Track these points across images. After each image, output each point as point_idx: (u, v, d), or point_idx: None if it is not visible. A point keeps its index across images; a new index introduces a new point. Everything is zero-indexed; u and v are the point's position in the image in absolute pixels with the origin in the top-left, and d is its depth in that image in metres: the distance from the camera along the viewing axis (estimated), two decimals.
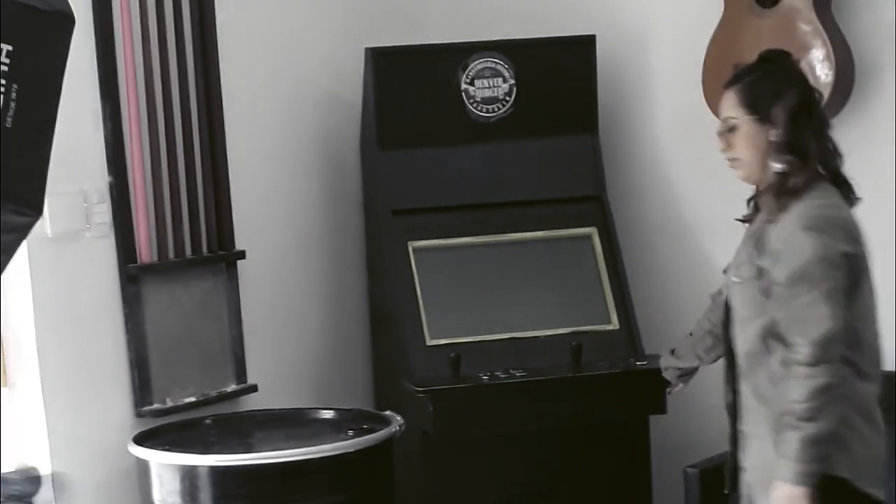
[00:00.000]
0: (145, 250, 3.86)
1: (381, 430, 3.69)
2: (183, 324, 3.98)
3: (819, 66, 4.00)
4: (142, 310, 3.87)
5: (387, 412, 3.85)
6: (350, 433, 3.70)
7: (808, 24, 4.00)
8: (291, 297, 4.34)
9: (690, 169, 4.41)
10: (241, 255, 4.10)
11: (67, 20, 2.19)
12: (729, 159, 3.27)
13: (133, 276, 3.84)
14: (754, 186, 3.27)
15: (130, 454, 3.70)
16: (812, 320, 3.02)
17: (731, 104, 3.26)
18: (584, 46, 4.31)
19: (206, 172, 4.01)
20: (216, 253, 4.06)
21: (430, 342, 3.98)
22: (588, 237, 4.19)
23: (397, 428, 3.72)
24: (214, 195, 4.03)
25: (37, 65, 2.09)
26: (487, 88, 4.26)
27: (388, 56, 4.22)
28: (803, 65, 3.99)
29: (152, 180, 3.88)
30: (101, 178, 3.80)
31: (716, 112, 4.16)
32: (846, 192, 3.21)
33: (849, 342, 3.05)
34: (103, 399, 3.81)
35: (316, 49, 4.40)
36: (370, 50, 4.22)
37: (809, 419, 2.98)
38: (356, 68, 4.28)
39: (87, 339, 3.77)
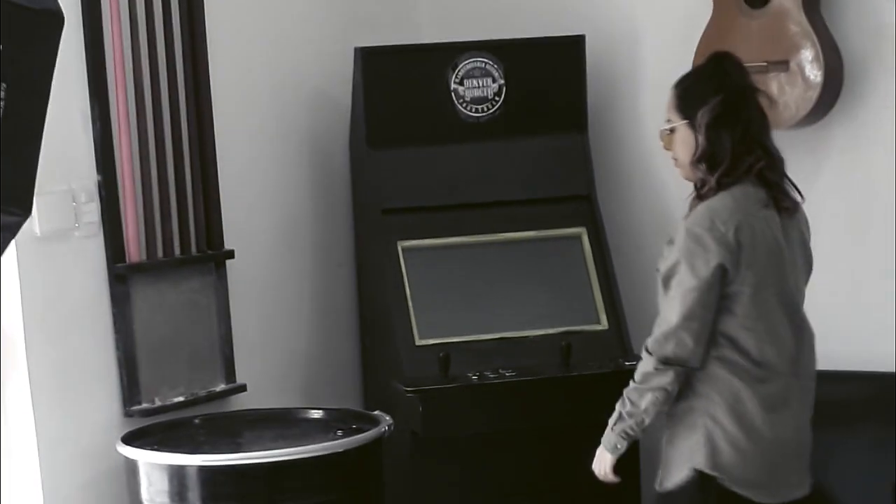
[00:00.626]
0: (134, 249, 3.86)
1: (370, 430, 3.69)
2: (171, 323, 3.97)
3: (808, 67, 4.00)
4: (130, 309, 3.86)
5: (376, 412, 3.84)
6: (339, 433, 3.70)
7: (797, 25, 4.01)
8: (280, 297, 4.34)
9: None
10: (230, 254, 4.09)
11: (57, 19, 2.18)
12: (673, 159, 3.34)
13: (121, 276, 3.83)
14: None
15: (119, 454, 3.69)
16: (665, 315, 3.18)
17: (669, 106, 3.34)
18: (573, 46, 4.31)
19: (194, 172, 4.01)
20: (205, 252, 4.05)
21: (419, 342, 3.98)
22: (577, 237, 4.19)
23: (386, 428, 3.71)
24: (203, 194, 4.02)
25: (26, 64, 2.08)
26: (477, 88, 4.26)
27: (378, 55, 4.22)
28: (793, 65, 4.01)
29: (141, 179, 3.88)
30: (89, 177, 3.79)
31: None
32: (776, 195, 3.24)
33: (729, 342, 3.17)
34: (91, 398, 3.80)
35: (305, 48, 4.40)
36: (360, 49, 4.21)
37: (628, 397, 3.21)
38: (346, 67, 4.27)
39: (75, 339, 3.76)
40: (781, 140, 4.21)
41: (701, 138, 3.22)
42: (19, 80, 2.08)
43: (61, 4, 2.22)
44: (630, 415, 3.22)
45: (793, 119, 4.05)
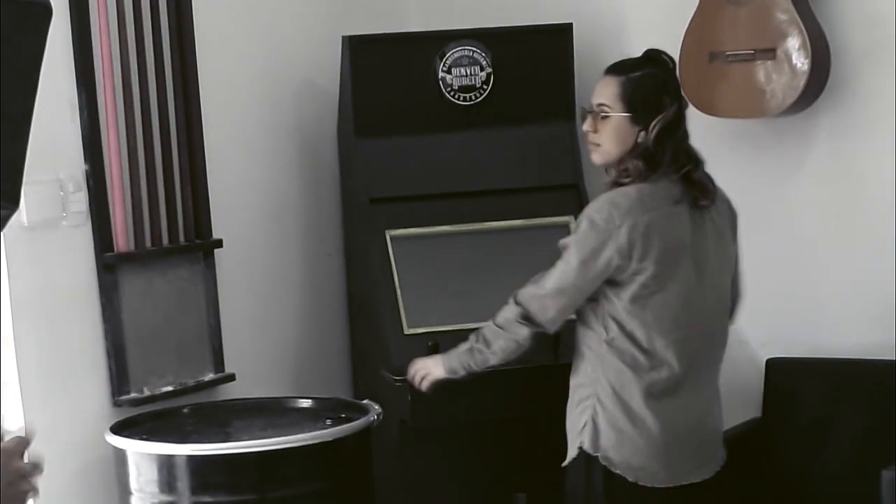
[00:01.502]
0: (122, 239, 3.85)
1: (358, 419, 3.69)
2: (160, 313, 3.97)
3: (795, 55, 4.01)
4: (119, 299, 3.86)
5: (365, 401, 3.85)
6: (328, 422, 3.70)
7: (784, 13, 4.01)
8: (269, 286, 4.34)
9: None
10: (219, 243, 4.09)
11: (45, 10, 2.17)
12: (590, 142, 3.43)
13: (110, 265, 3.83)
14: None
15: (107, 443, 3.69)
16: (545, 277, 3.35)
17: (609, 93, 3.40)
18: (561, 35, 4.31)
19: (182, 161, 4.00)
20: (193, 242, 4.05)
21: (407, 331, 3.98)
22: (566, 225, 4.19)
23: (375, 417, 3.72)
24: (191, 184, 4.02)
25: (14, 55, 2.08)
26: (464, 76, 4.26)
27: (366, 44, 4.21)
28: (780, 53, 4.02)
29: (129, 169, 3.87)
30: (77, 166, 3.79)
31: (694, 101, 4.18)
32: (695, 194, 3.35)
33: (619, 328, 3.30)
34: (80, 388, 3.80)
35: (293, 37, 4.39)
36: (347, 38, 4.21)
37: (484, 335, 3.44)
38: (333, 56, 4.27)
39: (63, 328, 3.76)
40: (767, 128, 4.25)
41: (648, 140, 3.34)
42: (7, 72, 2.08)
43: None
44: (479, 351, 3.46)
45: (779, 107, 4.05)
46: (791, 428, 4.12)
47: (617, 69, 3.44)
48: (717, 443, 3.49)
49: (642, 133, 3.34)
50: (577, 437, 3.37)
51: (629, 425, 3.32)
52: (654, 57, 3.44)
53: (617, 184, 3.38)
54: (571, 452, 3.39)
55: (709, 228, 3.40)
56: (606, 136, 3.40)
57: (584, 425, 3.35)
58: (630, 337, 3.31)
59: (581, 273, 3.32)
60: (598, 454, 3.33)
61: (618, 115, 3.37)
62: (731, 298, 3.52)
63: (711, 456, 3.46)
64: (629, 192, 3.33)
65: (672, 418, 3.34)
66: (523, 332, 3.40)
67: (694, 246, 3.35)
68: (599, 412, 3.33)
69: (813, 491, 4.04)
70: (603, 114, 3.39)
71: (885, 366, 4.02)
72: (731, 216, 3.52)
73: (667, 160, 3.33)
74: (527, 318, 3.39)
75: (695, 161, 3.39)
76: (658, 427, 3.32)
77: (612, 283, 3.32)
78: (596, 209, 3.33)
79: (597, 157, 3.45)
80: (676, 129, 3.36)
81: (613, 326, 3.33)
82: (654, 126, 3.33)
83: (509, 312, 3.42)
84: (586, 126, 3.45)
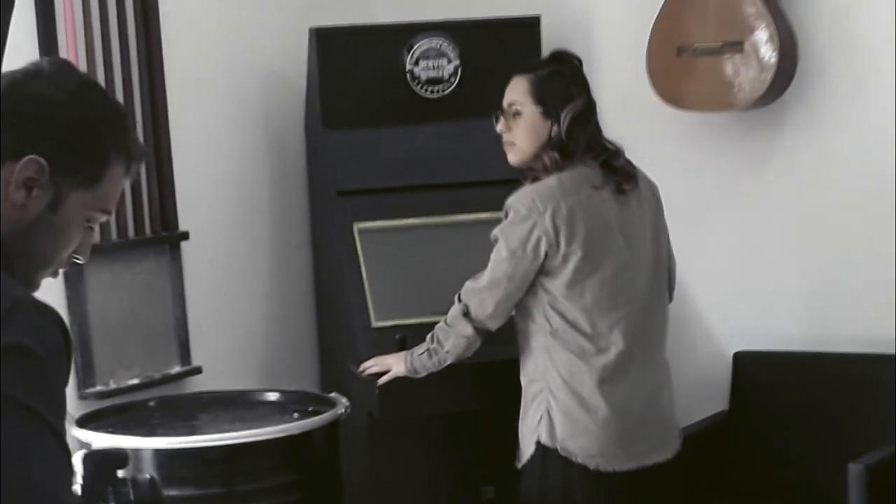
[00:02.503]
0: None
1: (326, 412, 3.68)
2: (126, 305, 3.95)
3: (763, 48, 4.02)
4: (84, 291, 3.84)
5: (332, 394, 3.83)
6: (295, 415, 3.69)
7: (752, 6, 4.02)
8: (236, 279, 4.32)
9: (634, 150, 4.40)
10: (185, 235, 4.07)
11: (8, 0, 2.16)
12: (505, 142, 3.51)
13: None
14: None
15: (73, 436, 3.66)
16: (482, 275, 3.43)
17: (519, 91, 3.48)
18: (529, 28, 4.31)
19: (148, 153, 3.98)
20: (159, 234, 4.02)
21: (375, 324, 3.97)
22: None
23: (343, 410, 3.71)
24: (157, 176, 4.00)
25: None
26: (432, 69, 4.25)
27: (333, 36, 4.19)
28: (747, 47, 4.03)
29: None
30: None
31: (661, 94, 4.19)
32: (618, 180, 3.42)
33: (560, 317, 3.35)
34: None
35: (260, 29, 4.37)
36: (314, 30, 4.19)
37: (437, 335, 3.50)
38: (300, 48, 4.25)
39: None
40: (735, 121, 4.26)
41: (559, 131, 3.41)
42: None
43: None
44: (435, 351, 3.51)
45: (747, 100, 4.06)
46: (758, 421, 4.13)
47: (525, 69, 3.52)
48: (671, 422, 3.53)
49: (554, 127, 3.41)
50: (533, 433, 3.39)
51: (583, 413, 3.34)
52: (559, 57, 3.53)
53: (536, 178, 3.44)
54: (528, 450, 3.40)
55: (634, 207, 3.45)
56: (520, 132, 3.47)
57: (540, 419, 3.37)
58: (573, 325, 3.35)
59: (511, 263, 3.37)
60: (557, 446, 3.35)
61: (529, 111, 3.44)
62: (667, 275, 3.55)
63: (668, 435, 3.49)
64: (548, 181, 3.40)
65: (624, 400, 3.37)
66: (468, 328, 3.45)
67: (622, 225, 3.41)
68: (553, 404, 3.36)
69: (780, 484, 4.06)
70: (515, 111, 3.47)
71: (852, 358, 4.04)
72: (654, 193, 3.55)
73: (581, 149, 3.40)
74: (467, 315, 3.44)
75: (613, 150, 3.45)
76: (611, 411, 3.34)
77: (546, 272, 3.36)
78: (516, 199, 3.40)
79: (512, 157, 3.52)
80: (588, 120, 3.43)
81: (555, 317, 3.36)
82: (565, 117, 3.40)
83: (454, 310, 3.49)
84: (499, 127, 3.52)
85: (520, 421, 3.45)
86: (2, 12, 2.09)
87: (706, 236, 4.25)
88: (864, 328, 4.08)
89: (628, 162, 3.48)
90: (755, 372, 4.18)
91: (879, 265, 4.05)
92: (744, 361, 4.20)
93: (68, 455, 1.68)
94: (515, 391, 3.68)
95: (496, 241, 3.42)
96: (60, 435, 1.67)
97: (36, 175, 1.79)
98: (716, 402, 4.21)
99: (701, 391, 4.21)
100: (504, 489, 3.91)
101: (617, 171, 3.42)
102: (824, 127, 4.14)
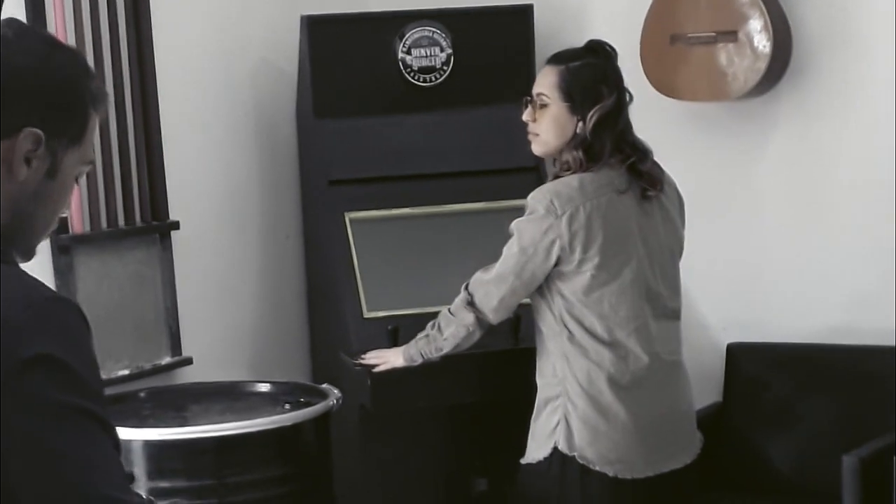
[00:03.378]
0: (77, 220, 3.80)
1: (318, 403, 3.66)
2: (116, 295, 3.92)
3: (757, 38, 4.00)
4: (74, 281, 3.81)
5: (324, 385, 3.81)
6: (287, 406, 3.67)
7: None
8: (227, 269, 4.29)
9: None
10: (175, 225, 4.05)
11: None
12: (530, 132, 3.44)
13: (65, 247, 3.78)
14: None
15: None
16: (493, 267, 3.39)
17: (548, 83, 3.40)
18: (521, 16, 4.29)
19: (139, 142, 3.95)
20: (150, 223, 4.00)
21: (367, 314, 3.95)
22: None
23: (335, 401, 3.69)
24: (148, 165, 3.97)
25: None
26: (424, 57, 4.23)
27: (324, 24, 4.17)
28: (741, 36, 4.01)
29: None
30: None
31: (655, 83, 4.17)
32: (642, 185, 3.35)
33: (578, 324, 3.30)
34: None
35: (251, 16, 4.34)
36: (306, 17, 4.17)
37: (439, 322, 3.48)
38: (292, 36, 4.22)
39: None
40: (729, 111, 4.24)
41: (585, 130, 3.33)
42: None
43: None
44: (434, 338, 3.50)
45: (741, 90, 4.05)
46: (752, 412, 4.12)
47: (557, 59, 3.44)
48: (691, 426, 3.49)
49: (580, 123, 3.34)
50: (548, 438, 3.34)
51: (602, 421, 3.30)
52: (595, 47, 3.44)
53: (559, 176, 3.39)
54: (540, 452, 3.36)
55: (657, 214, 3.40)
56: (545, 125, 3.41)
57: (557, 425, 3.32)
58: (591, 332, 3.31)
59: (521, 260, 3.33)
60: (575, 453, 3.30)
61: (556, 105, 3.38)
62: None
63: (688, 440, 3.46)
64: (570, 181, 3.33)
65: (643, 407, 3.33)
66: (470, 318, 3.42)
67: (643, 231, 3.35)
68: (571, 411, 3.31)
69: (774, 475, 4.05)
70: (542, 103, 3.40)
71: (846, 350, 4.04)
72: (679, 201, 3.51)
73: (607, 151, 3.33)
74: (471, 305, 3.42)
75: (641, 152, 3.38)
76: (631, 418, 3.31)
77: (561, 278, 3.31)
78: (535, 197, 3.34)
79: (536, 148, 3.47)
80: (616, 121, 3.35)
81: (573, 323, 3.32)
82: (592, 116, 3.32)
83: (460, 299, 3.46)
84: (526, 116, 3.46)
85: (532, 419, 3.41)
86: None
87: (700, 226, 4.22)
88: (858, 320, 4.07)
89: (655, 164, 3.40)
90: (749, 364, 4.17)
91: (874, 256, 4.04)
92: (737, 353, 4.20)
93: (119, 448, 1.72)
94: (509, 384, 3.68)
95: (512, 233, 3.38)
96: (111, 428, 1.71)
97: (34, 146, 1.79)
98: (709, 393, 4.20)
99: (694, 383, 4.16)
100: (497, 482, 3.90)
101: (643, 176, 3.35)
102: (818, 116, 4.13)
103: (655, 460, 3.35)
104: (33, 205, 1.81)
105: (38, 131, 1.79)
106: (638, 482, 3.32)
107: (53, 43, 1.90)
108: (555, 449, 3.32)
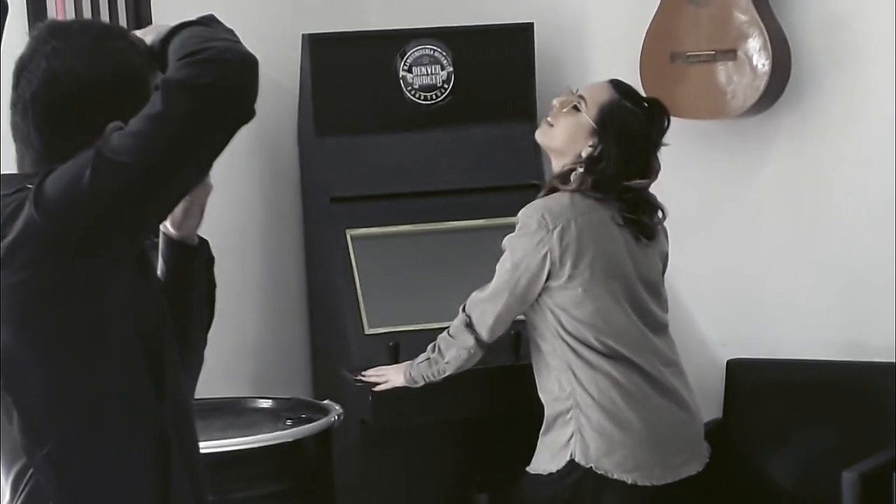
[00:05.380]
0: None
1: (319, 419, 3.66)
2: None
3: (756, 56, 4.02)
4: None
5: (325, 401, 3.82)
6: (288, 423, 3.67)
7: (745, 14, 4.02)
8: (228, 285, 4.24)
9: None
10: None
11: (1, 7, 2.16)
12: (548, 122, 3.44)
13: None
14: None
15: None
16: (487, 286, 3.40)
17: (596, 97, 3.40)
18: (522, 34, 4.31)
19: None
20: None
21: (368, 331, 3.96)
22: None
23: (336, 417, 3.69)
24: None
25: None
26: (425, 76, 4.25)
27: (326, 42, 4.19)
28: (740, 54, 4.03)
29: None
30: None
31: None
32: (639, 232, 3.37)
33: (576, 339, 3.31)
34: None
35: (253, 35, 4.28)
36: (307, 36, 4.19)
37: (439, 345, 3.49)
38: (293, 54, 4.24)
39: None
40: (728, 128, 4.26)
41: (589, 163, 3.35)
42: None
43: None
44: (435, 361, 3.50)
45: (740, 108, 4.06)
46: (752, 429, 4.12)
47: (620, 88, 3.44)
48: (700, 434, 3.50)
49: (591, 149, 3.35)
50: (561, 450, 3.34)
51: (617, 430, 3.31)
52: (654, 106, 3.43)
53: (553, 188, 3.40)
54: (552, 464, 3.36)
55: (644, 243, 3.43)
56: (563, 125, 3.42)
57: (571, 437, 3.33)
58: (590, 346, 3.32)
59: (514, 275, 3.34)
60: (591, 465, 3.31)
61: (586, 117, 3.38)
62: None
63: (698, 449, 3.47)
64: (561, 198, 3.35)
65: (655, 415, 3.35)
66: (470, 340, 3.43)
67: (630, 247, 3.37)
68: (585, 423, 3.32)
69: (774, 492, 4.05)
70: (576, 105, 3.40)
71: (847, 367, 4.04)
72: (664, 230, 3.53)
73: (614, 194, 3.34)
74: (470, 326, 3.43)
75: (652, 207, 3.40)
76: (645, 426, 3.32)
77: (550, 291, 3.33)
78: (526, 213, 3.36)
79: (540, 136, 3.49)
80: (628, 175, 3.35)
81: (571, 339, 3.33)
82: (609, 157, 3.33)
83: (458, 321, 3.47)
84: (556, 100, 3.45)
85: (541, 433, 3.41)
86: None
87: (699, 243, 4.24)
88: (858, 336, 4.07)
89: (661, 220, 3.43)
90: (748, 380, 4.17)
91: (873, 273, 4.04)
92: (737, 369, 4.20)
93: None
94: (510, 399, 3.68)
95: (504, 250, 3.40)
96: None
97: None
98: (709, 409, 4.20)
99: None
100: (497, 497, 3.90)
101: (642, 228, 3.38)
102: (817, 135, 4.14)
103: (672, 466, 3.36)
104: None
105: (120, 123, 1.88)
106: (656, 489, 3.32)
107: (93, 33, 1.97)
108: (571, 461, 3.32)
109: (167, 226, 2.13)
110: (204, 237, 2.23)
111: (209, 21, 2.03)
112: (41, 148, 2.00)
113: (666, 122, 3.41)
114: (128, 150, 1.88)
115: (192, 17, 4.25)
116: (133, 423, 1.98)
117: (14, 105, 2.01)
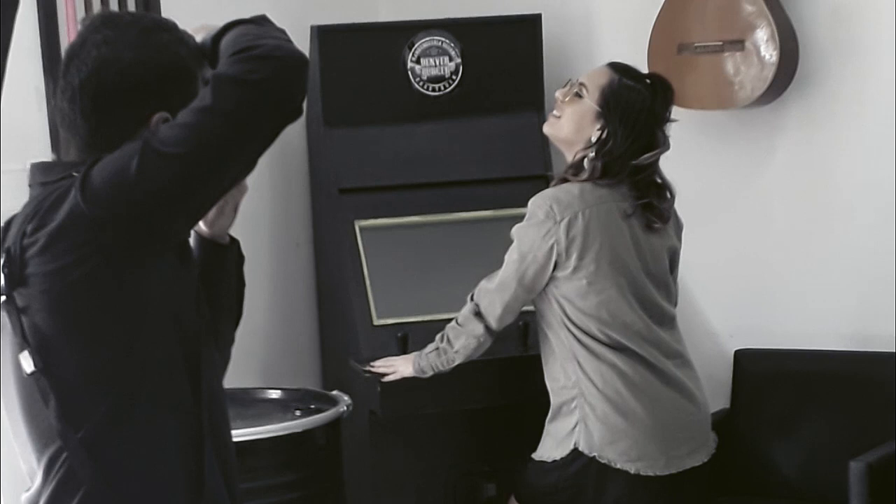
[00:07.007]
0: None
1: (328, 409, 3.68)
2: None
3: (763, 47, 4.02)
4: None
5: (334, 392, 3.83)
6: (297, 413, 3.68)
7: (752, 5, 4.03)
8: None
9: None
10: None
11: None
12: (554, 114, 3.45)
13: None
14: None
15: None
16: (496, 275, 3.41)
17: (595, 80, 3.40)
18: (530, 25, 4.31)
19: None
20: None
21: (377, 322, 3.97)
22: None
23: (345, 408, 3.71)
24: None
25: None
26: (433, 67, 4.25)
27: (334, 34, 4.20)
28: (748, 45, 4.03)
29: None
30: (44, 156, 3.74)
31: None
32: (650, 218, 3.37)
33: (581, 330, 3.32)
34: None
35: None
36: (316, 27, 4.19)
37: (447, 335, 3.49)
38: (302, 46, 4.22)
39: None
40: (736, 119, 4.26)
41: (596, 147, 3.35)
42: None
43: None
44: (444, 351, 3.51)
45: (748, 99, 4.07)
46: (759, 419, 4.13)
47: (616, 67, 3.44)
48: (707, 424, 3.51)
49: (600, 132, 3.35)
50: (566, 438, 3.36)
51: (621, 420, 3.33)
52: (655, 81, 3.44)
53: (565, 179, 3.40)
54: (557, 451, 3.38)
55: (654, 231, 3.43)
56: (568, 114, 3.42)
57: (576, 426, 3.35)
58: (595, 338, 3.33)
59: (522, 265, 3.35)
60: (595, 454, 3.33)
61: (589, 102, 3.39)
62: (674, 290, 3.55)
63: (705, 438, 3.48)
64: (571, 188, 3.36)
65: (660, 405, 3.36)
66: (479, 328, 3.44)
67: (637, 240, 3.38)
68: (589, 413, 3.34)
69: (782, 481, 4.06)
70: (578, 93, 3.41)
71: (854, 357, 4.05)
72: (677, 225, 3.54)
73: (625, 173, 3.34)
74: (479, 315, 3.44)
75: (663, 188, 3.40)
76: (649, 416, 3.34)
77: (557, 282, 3.34)
78: (535, 203, 3.36)
79: (548, 128, 3.50)
80: (637, 153, 3.35)
81: (576, 329, 3.35)
82: (615, 137, 3.33)
83: (466, 310, 3.48)
84: (559, 93, 3.47)
85: (547, 421, 3.43)
86: (5, 12, 2.10)
87: (707, 234, 4.25)
88: (865, 326, 4.08)
89: (672, 204, 3.43)
90: (756, 370, 4.18)
91: (880, 263, 4.05)
92: (744, 360, 4.21)
93: None
94: (518, 390, 3.69)
95: (512, 240, 3.41)
96: None
97: None
98: (717, 400, 4.21)
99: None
100: (506, 487, 3.91)
101: (654, 210, 3.38)
102: (825, 125, 4.14)
103: (676, 457, 3.38)
104: None
105: (166, 114, 1.88)
106: (660, 479, 3.34)
107: (143, 24, 2.00)
108: (574, 449, 3.34)
109: (199, 224, 2.13)
110: (235, 236, 2.24)
111: (261, 20, 2.05)
112: (87, 136, 2.02)
113: (670, 95, 3.41)
114: (176, 141, 1.90)
115: (201, 12, 4.26)
116: (168, 411, 2.00)
117: (63, 92, 2.03)
